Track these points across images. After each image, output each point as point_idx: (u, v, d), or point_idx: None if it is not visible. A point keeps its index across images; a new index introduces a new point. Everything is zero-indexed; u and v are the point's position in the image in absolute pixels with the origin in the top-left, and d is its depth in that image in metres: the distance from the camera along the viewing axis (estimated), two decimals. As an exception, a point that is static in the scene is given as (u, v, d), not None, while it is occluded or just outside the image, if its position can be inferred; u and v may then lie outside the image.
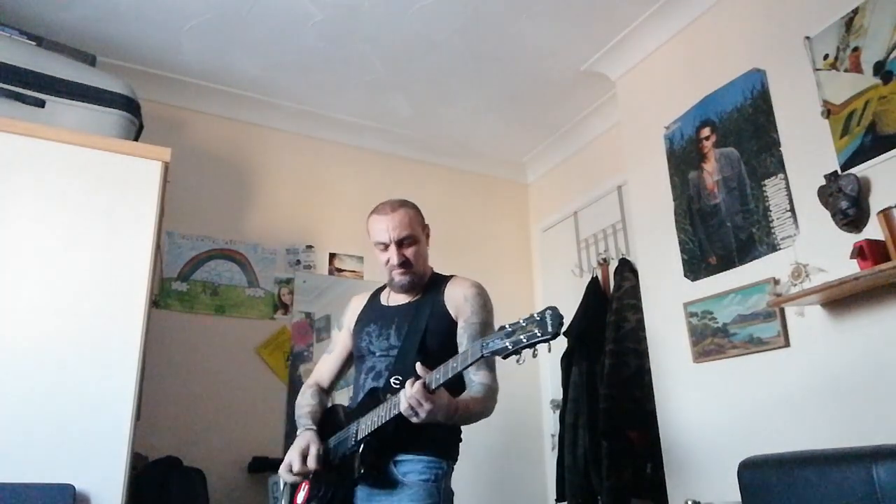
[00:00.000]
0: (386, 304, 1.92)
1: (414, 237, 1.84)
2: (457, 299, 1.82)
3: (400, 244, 1.81)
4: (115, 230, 2.11)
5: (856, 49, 2.13)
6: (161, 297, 3.05)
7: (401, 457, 1.68)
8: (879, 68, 2.05)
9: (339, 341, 2.03)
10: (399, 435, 1.63)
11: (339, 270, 3.55)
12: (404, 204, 1.89)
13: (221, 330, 3.17)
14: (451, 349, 1.77)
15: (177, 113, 3.35)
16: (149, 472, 2.60)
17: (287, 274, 3.41)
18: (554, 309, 1.32)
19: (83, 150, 2.14)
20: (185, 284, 3.15)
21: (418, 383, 1.47)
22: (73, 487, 1.78)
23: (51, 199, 2.05)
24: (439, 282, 1.90)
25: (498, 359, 1.47)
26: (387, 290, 1.97)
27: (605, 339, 3.05)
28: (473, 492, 3.46)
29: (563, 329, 3.41)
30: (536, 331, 1.32)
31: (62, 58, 2.35)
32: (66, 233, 2.04)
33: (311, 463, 1.69)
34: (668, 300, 2.74)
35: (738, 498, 1.97)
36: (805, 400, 2.16)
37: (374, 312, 1.92)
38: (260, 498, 2.92)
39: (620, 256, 3.33)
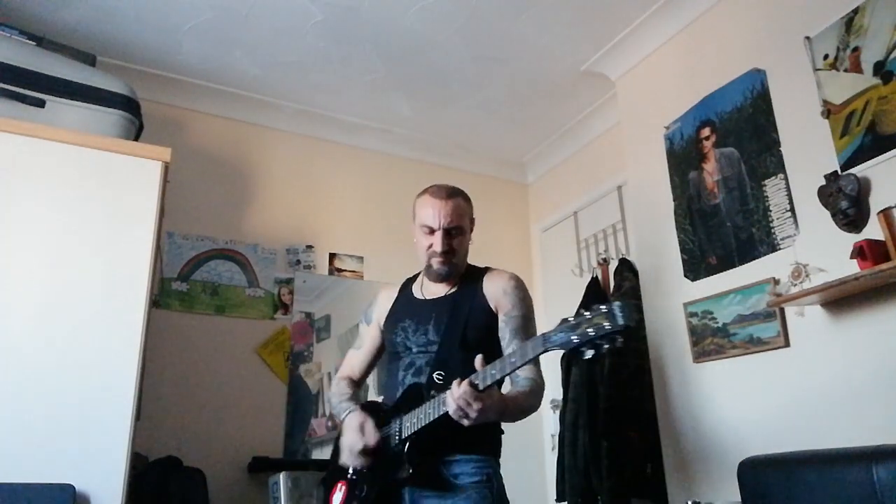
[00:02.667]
0: (420, 297, 1.83)
1: (462, 229, 1.80)
2: (496, 292, 1.77)
3: (448, 233, 1.76)
4: (115, 230, 2.11)
5: (856, 49, 2.13)
6: (161, 297, 3.05)
7: (449, 457, 1.61)
8: (879, 68, 2.05)
9: (368, 336, 1.94)
10: (445, 433, 1.53)
11: (339, 270, 3.55)
12: (460, 193, 1.83)
13: (221, 330, 3.17)
14: (491, 343, 1.72)
15: (177, 113, 3.35)
16: (149, 472, 2.60)
17: (287, 274, 3.41)
18: (623, 301, 1.27)
19: (83, 150, 2.14)
20: (185, 284, 3.14)
21: (464, 383, 1.41)
22: (73, 487, 1.78)
23: (51, 199, 2.05)
24: (475, 274, 1.84)
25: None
26: (419, 282, 1.89)
27: (605, 339, 3.04)
28: (473, 492, 3.46)
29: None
30: (605, 323, 1.22)
31: (62, 58, 2.35)
32: (66, 233, 2.04)
33: (371, 438, 1.61)
34: (668, 300, 2.74)
35: (738, 498, 1.97)
36: (805, 400, 2.16)
37: (408, 307, 1.83)
38: (260, 498, 2.91)
39: (620, 256, 3.33)
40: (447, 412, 1.45)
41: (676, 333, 2.67)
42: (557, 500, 3.23)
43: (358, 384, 1.93)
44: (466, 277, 1.83)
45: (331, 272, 3.53)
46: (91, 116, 2.27)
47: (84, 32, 2.94)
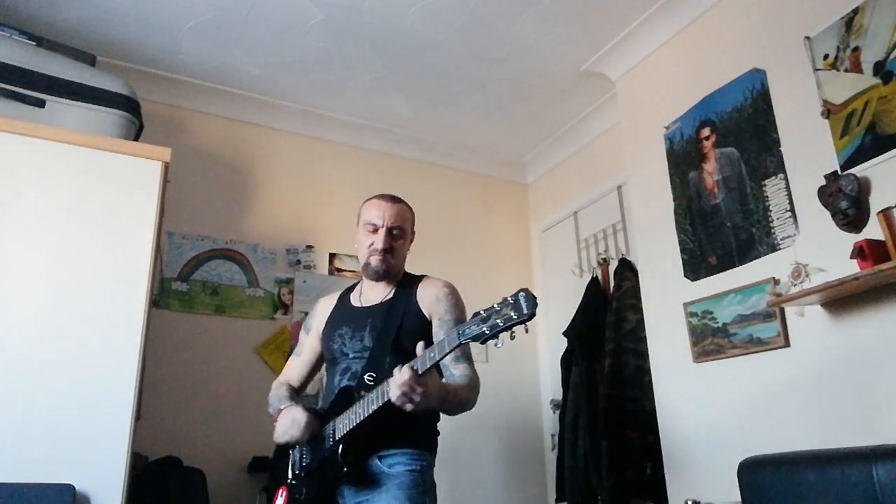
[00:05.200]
0: (358, 305, 1.89)
1: (404, 232, 1.89)
2: (429, 299, 1.83)
3: (390, 232, 1.84)
4: (115, 230, 2.11)
5: (856, 49, 2.13)
6: (161, 297, 3.05)
7: (384, 452, 1.66)
8: (879, 68, 2.05)
9: (307, 345, 1.98)
10: (379, 431, 1.61)
11: (339, 270, 3.55)
12: (405, 202, 1.93)
13: (221, 330, 3.17)
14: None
15: (177, 113, 3.35)
16: (149, 472, 2.60)
17: (287, 274, 3.41)
18: (526, 290, 1.33)
19: (83, 150, 2.14)
20: (185, 284, 3.14)
21: (406, 368, 1.46)
22: (73, 487, 1.78)
23: (51, 199, 2.05)
24: (411, 281, 1.90)
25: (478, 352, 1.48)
26: (357, 290, 1.95)
27: (605, 339, 3.05)
28: (474, 492, 3.46)
29: (564, 329, 3.41)
30: (512, 313, 1.32)
31: (62, 58, 2.35)
32: (66, 233, 2.04)
33: (301, 415, 1.69)
34: (668, 300, 2.74)
35: (738, 498, 1.97)
36: (805, 400, 2.16)
37: (345, 314, 1.89)
38: (260, 498, 2.92)
39: (620, 256, 3.33)
40: (387, 403, 1.49)
41: (676, 333, 2.67)
42: (557, 500, 3.24)
43: (297, 391, 1.97)
44: (402, 284, 1.89)
45: (331, 272, 3.53)
46: (91, 116, 2.28)
47: (84, 32, 2.94)
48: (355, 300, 1.92)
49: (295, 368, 1.99)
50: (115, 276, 2.06)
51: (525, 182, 4.37)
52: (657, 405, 2.73)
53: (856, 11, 2.14)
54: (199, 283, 3.18)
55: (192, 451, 2.83)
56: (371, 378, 1.65)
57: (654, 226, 2.89)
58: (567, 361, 3.32)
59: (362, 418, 1.57)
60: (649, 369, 2.81)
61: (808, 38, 2.29)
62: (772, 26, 2.46)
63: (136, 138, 2.42)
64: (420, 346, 1.51)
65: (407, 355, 1.68)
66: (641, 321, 2.90)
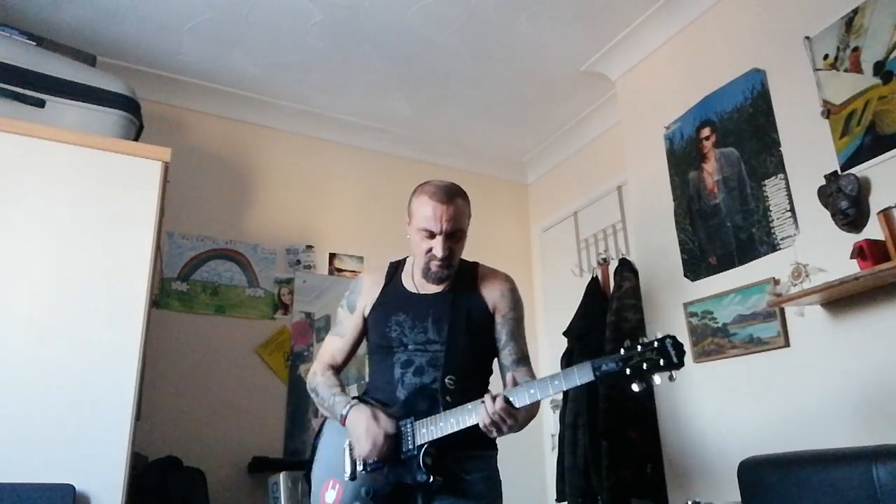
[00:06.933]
0: (415, 291, 1.78)
1: (463, 232, 1.75)
2: (493, 294, 1.78)
3: (449, 237, 1.69)
4: (115, 230, 2.11)
5: (856, 49, 2.13)
6: (161, 297, 3.05)
7: (460, 454, 1.61)
8: (879, 68, 2.05)
9: (351, 325, 1.85)
10: (458, 435, 1.55)
11: (339, 270, 3.55)
12: (460, 193, 1.76)
13: (221, 330, 3.16)
14: (490, 344, 1.76)
15: (177, 113, 3.35)
16: (149, 472, 2.60)
17: (287, 274, 3.41)
18: (673, 338, 1.32)
19: (83, 150, 2.14)
20: (185, 284, 3.14)
21: (500, 399, 1.44)
22: (73, 487, 1.78)
23: (51, 199, 2.05)
24: (468, 270, 1.82)
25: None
26: (408, 271, 1.83)
27: (605, 339, 3.04)
28: (473, 492, 3.46)
29: (564, 329, 3.41)
30: (660, 359, 1.31)
31: (62, 58, 2.35)
32: (66, 233, 2.04)
33: (389, 426, 1.59)
34: (668, 300, 2.74)
35: (738, 498, 1.97)
36: (805, 400, 2.16)
37: (401, 300, 1.77)
38: (260, 498, 2.91)
39: (620, 256, 3.32)
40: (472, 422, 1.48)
41: (676, 333, 2.64)
42: (557, 500, 3.23)
43: (339, 372, 1.88)
44: (459, 273, 1.79)
45: (331, 272, 3.53)
46: (91, 116, 2.28)
47: (84, 32, 2.94)
48: (409, 284, 1.80)
49: (339, 350, 1.86)
50: (115, 276, 2.06)
51: (525, 182, 4.37)
52: (657, 405, 2.73)
53: (856, 11, 2.14)
54: (199, 283, 3.18)
55: (192, 451, 2.83)
56: (451, 381, 1.63)
57: (654, 226, 2.89)
58: (567, 361, 3.31)
59: (455, 430, 1.53)
60: (649, 369, 2.80)
61: (808, 38, 2.29)
62: (772, 26, 2.46)
63: (136, 138, 2.42)
64: (510, 377, 1.57)
65: (478, 354, 1.73)
66: (641, 321, 2.90)
